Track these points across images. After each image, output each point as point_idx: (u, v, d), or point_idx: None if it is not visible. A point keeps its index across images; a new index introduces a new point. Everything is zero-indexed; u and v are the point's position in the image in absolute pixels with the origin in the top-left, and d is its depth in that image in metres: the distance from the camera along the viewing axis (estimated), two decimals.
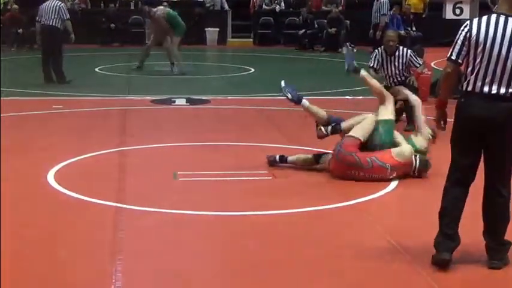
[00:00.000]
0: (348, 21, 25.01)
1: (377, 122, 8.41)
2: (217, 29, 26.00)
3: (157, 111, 12.80)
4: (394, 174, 8.16)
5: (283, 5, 27.18)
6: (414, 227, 6.78)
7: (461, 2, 14.16)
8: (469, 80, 5.52)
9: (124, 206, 7.16)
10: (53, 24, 15.36)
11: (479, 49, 5.44)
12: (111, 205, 7.15)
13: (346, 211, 7.18)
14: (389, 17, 24.05)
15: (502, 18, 5.43)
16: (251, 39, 26.81)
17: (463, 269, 5.77)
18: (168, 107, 13.07)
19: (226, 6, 27.16)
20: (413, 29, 24.70)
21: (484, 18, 5.48)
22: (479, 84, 5.48)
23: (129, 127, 11.17)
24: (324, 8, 26.22)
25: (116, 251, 5.93)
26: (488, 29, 5.41)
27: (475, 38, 5.45)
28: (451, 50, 5.59)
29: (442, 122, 5.78)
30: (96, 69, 18.52)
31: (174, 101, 13.47)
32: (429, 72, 14.10)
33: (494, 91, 5.44)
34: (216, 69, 20.22)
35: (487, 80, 5.44)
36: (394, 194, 7.81)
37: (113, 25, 25.08)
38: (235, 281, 5.56)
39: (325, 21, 24.88)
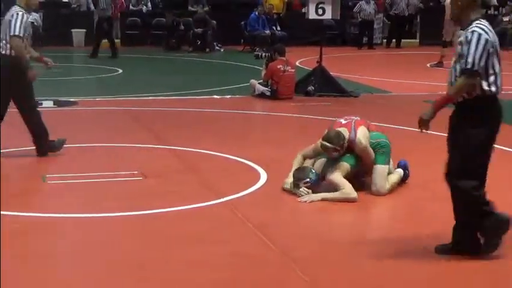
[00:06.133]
0: (214, 22, 25.16)
1: None
2: (84, 30, 25.63)
3: None
4: None
5: (150, 5, 27.09)
6: (283, 222, 6.98)
7: (323, 3, 14.50)
8: None
9: None
10: None
11: None
12: None
13: (218, 208, 7.29)
14: (254, 17, 24.44)
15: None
16: (118, 40, 26.58)
17: (334, 262, 5.99)
18: None
19: (92, 7, 26.81)
20: (278, 28, 25.17)
21: None
22: None
23: None
24: (190, 8, 26.29)
25: None
26: None
27: None
28: None
29: None
30: None
31: (41, 103, 13.19)
32: (293, 70, 14.41)
33: None
34: (83, 71, 19.94)
35: None
36: (263, 191, 7.96)
37: None
38: (115, 282, 5.56)
39: (191, 21, 24.96)
